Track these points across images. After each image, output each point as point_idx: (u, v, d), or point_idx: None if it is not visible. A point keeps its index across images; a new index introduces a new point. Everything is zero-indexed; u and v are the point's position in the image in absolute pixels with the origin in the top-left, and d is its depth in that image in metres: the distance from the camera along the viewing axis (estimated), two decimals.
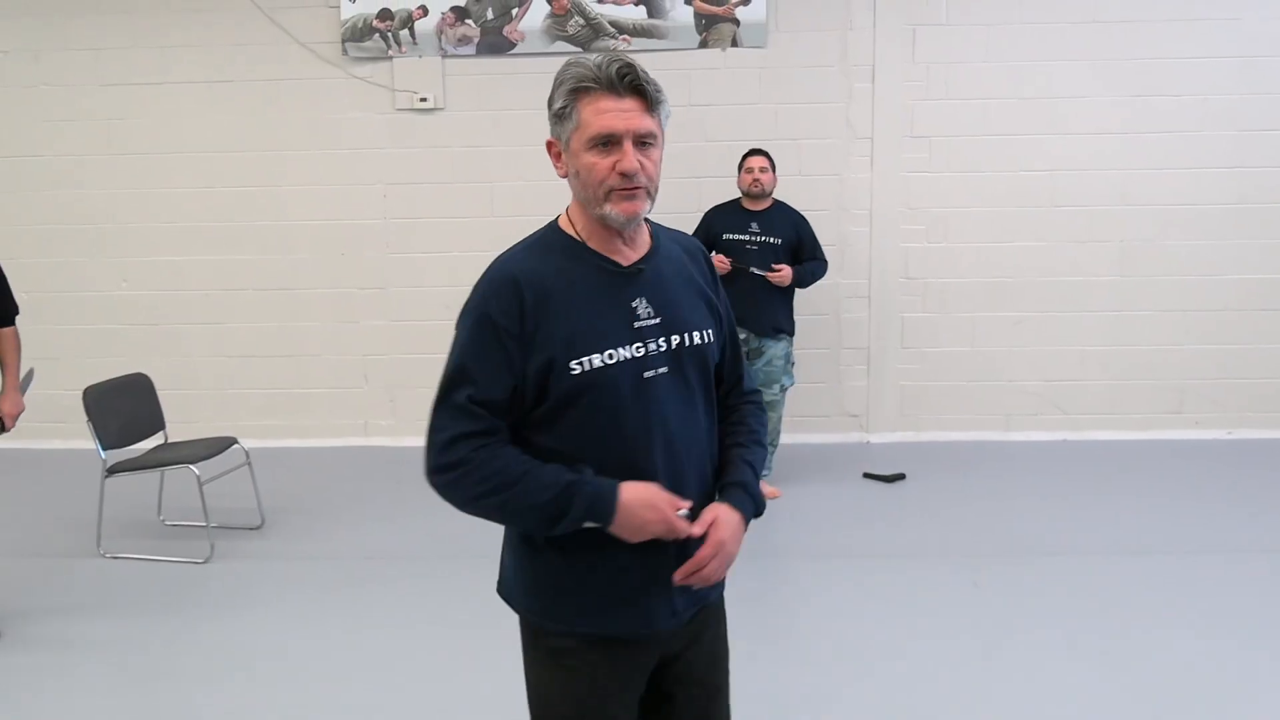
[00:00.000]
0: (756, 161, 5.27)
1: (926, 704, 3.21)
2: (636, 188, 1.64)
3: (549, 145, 1.74)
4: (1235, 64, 6.03)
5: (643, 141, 1.64)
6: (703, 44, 6.15)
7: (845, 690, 3.30)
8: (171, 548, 4.75)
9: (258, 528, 5.01)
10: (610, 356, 1.66)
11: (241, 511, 5.12)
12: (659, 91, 1.65)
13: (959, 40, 6.11)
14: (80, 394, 4.69)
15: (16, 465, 6.24)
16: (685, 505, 1.69)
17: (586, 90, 1.62)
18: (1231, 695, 3.22)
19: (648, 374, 1.70)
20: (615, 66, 1.60)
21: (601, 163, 1.63)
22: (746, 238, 5.25)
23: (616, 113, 1.61)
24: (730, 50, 6.17)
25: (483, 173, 6.35)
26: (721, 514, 1.74)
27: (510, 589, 1.85)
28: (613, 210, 1.65)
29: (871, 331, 6.38)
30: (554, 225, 1.80)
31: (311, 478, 5.91)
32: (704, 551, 1.71)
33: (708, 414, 1.82)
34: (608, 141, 1.62)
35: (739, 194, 5.37)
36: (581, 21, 6.11)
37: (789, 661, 3.48)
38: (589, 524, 1.65)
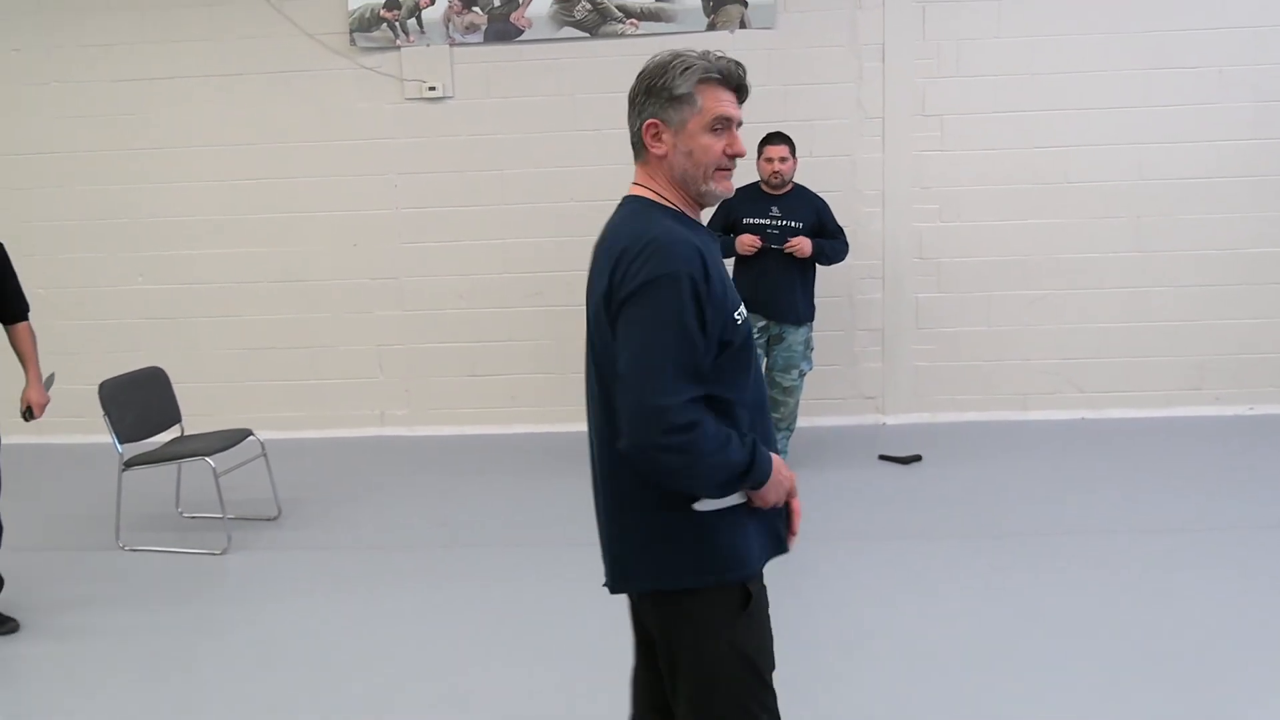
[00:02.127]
0: (776, 151, 5.23)
1: (945, 685, 3.20)
2: (732, 169, 1.91)
3: (648, 126, 1.88)
4: (1250, 34, 5.95)
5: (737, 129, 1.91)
6: (711, 26, 6.11)
7: (862, 672, 3.29)
8: (189, 539, 4.77)
9: (274, 518, 5.03)
10: (737, 304, 1.88)
11: (258, 502, 5.14)
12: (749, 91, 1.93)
13: (969, 17, 6.04)
14: (96, 388, 4.71)
15: (35, 460, 6.28)
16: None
17: (709, 80, 1.85)
18: (1254, 673, 3.19)
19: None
20: (733, 64, 1.87)
21: (716, 144, 1.86)
22: (767, 222, 5.22)
23: (731, 103, 1.88)
24: (739, 32, 6.13)
25: (492, 160, 6.33)
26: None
27: (685, 572, 1.86)
28: (716, 187, 1.90)
29: (886, 313, 6.34)
30: (650, 202, 1.91)
31: (327, 468, 5.94)
32: (798, 502, 2.01)
33: None
34: (722, 126, 1.85)
35: (757, 178, 5.33)
36: (589, 6, 6.08)
37: (805, 643, 3.46)
38: (745, 487, 1.82)
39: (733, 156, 1.87)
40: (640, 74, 1.89)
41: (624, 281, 1.75)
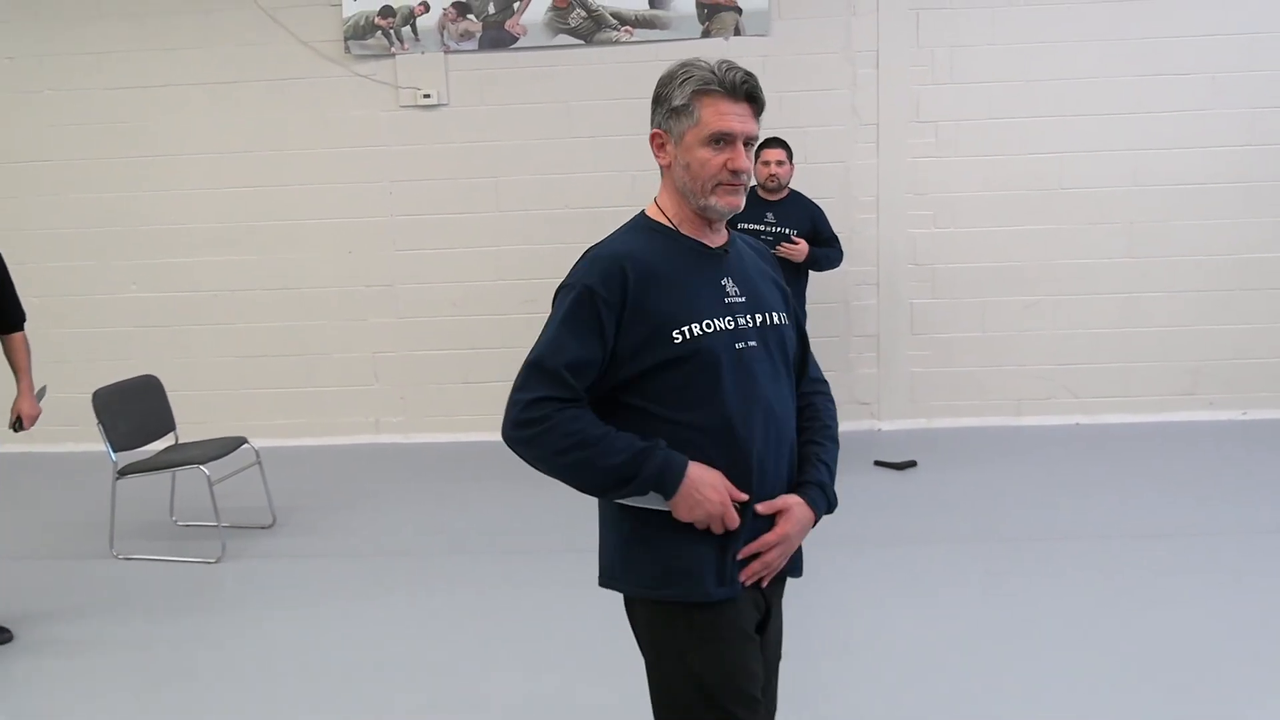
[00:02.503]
0: (773, 154, 5.24)
1: (940, 691, 3.19)
2: (740, 184, 1.82)
3: (653, 136, 1.87)
4: (1244, 41, 5.97)
5: (747, 143, 1.82)
6: (705, 33, 6.12)
7: (857, 678, 3.29)
8: (183, 548, 4.76)
9: (269, 527, 5.02)
10: (708, 326, 1.80)
11: (253, 511, 5.13)
12: (764, 103, 1.84)
13: (963, 23, 6.06)
14: (90, 396, 4.70)
15: (29, 468, 6.27)
16: (742, 497, 1.80)
17: (708, 91, 1.78)
18: (1249, 677, 3.19)
19: (739, 345, 1.83)
20: (737, 74, 1.78)
21: (714, 159, 1.79)
22: (763, 228, 5.23)
23: (734, 115, 1.78)
24: (733, 39, 6.14)
25: (487, 167, 6.34)
26: (795, 508, 1.88)
27: (644, 581, 1.87)
28: (717, 202, 1.82)
29: (881, 319, 6.35)
30: (644, 216, 1.92)
31: (322, 476, 5.93)
32: (769, 537, 1.85)
33: (791, 395, 1.96)
34: (722, 140, 1.78)
35: (754, 182, 5.34)
36: (583, 14, 6.09)
37: (800, 650, 3.46)
38: (651, 492, 1.76)
39: (734, 172, 1.79)
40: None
41: None
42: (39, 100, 6.46)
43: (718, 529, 1.79)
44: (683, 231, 1.87)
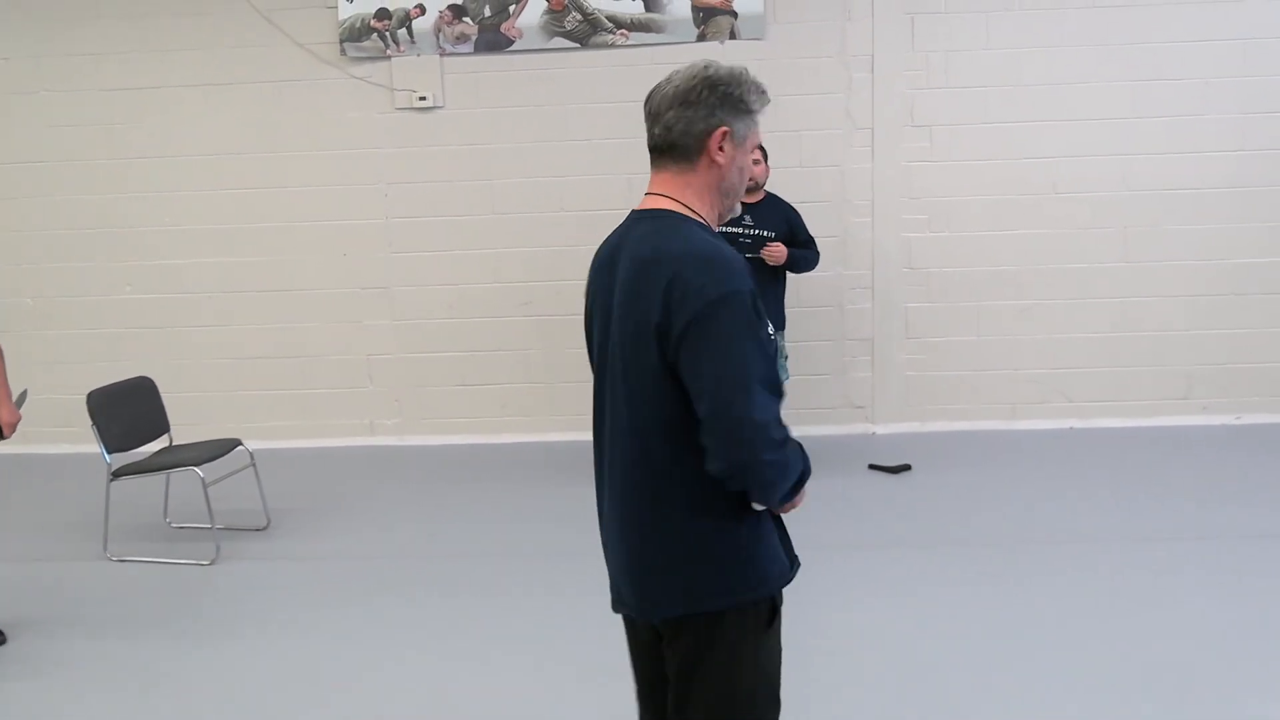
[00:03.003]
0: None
1: (935, 695, 3.20)
2: None
3: (724, 132, 1.79)
4: (1236, 46, 5.99)
5: None
6: (701, 37, 6.13)
7: (852, 682, 3.29)
8: (178, 550, 4.76)
9: (263, 529, 5.01)
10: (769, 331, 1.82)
11: (247, 513, 5.12)
12: None
13: (957, 28, 6.08)
14: (84, 398, 4.70)
15: (23, 470, 6.26)
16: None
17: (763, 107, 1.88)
18: (1244, 681, 3.20)
19: None
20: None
21: (754, 168, 1.99)
22: (740, 230, 5.23)
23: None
24: (728, 43, 6.15)
25: (483, 170, 6.34)
26: None
27: (722, 592, 1.80)
28: (738, 205, 1.93)
29: (875, 322, 6.36)
30: (683, 215, 1.79)
31: (317, 478, 5.92)
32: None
33: None
34: (759, 153, 1.88)
35: None
36: (579, 17, 6.10)
37: (795, 654, 3.46)
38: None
39: (755, 180, 1.93)
40: (699, 74, 1.77)
41: (686, 302, 1.65)
42: (35, 101, 6.46)
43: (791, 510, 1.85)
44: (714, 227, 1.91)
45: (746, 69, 1.82)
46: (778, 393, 1.70)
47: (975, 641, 3.54)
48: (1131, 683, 3.21)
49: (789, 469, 1.71)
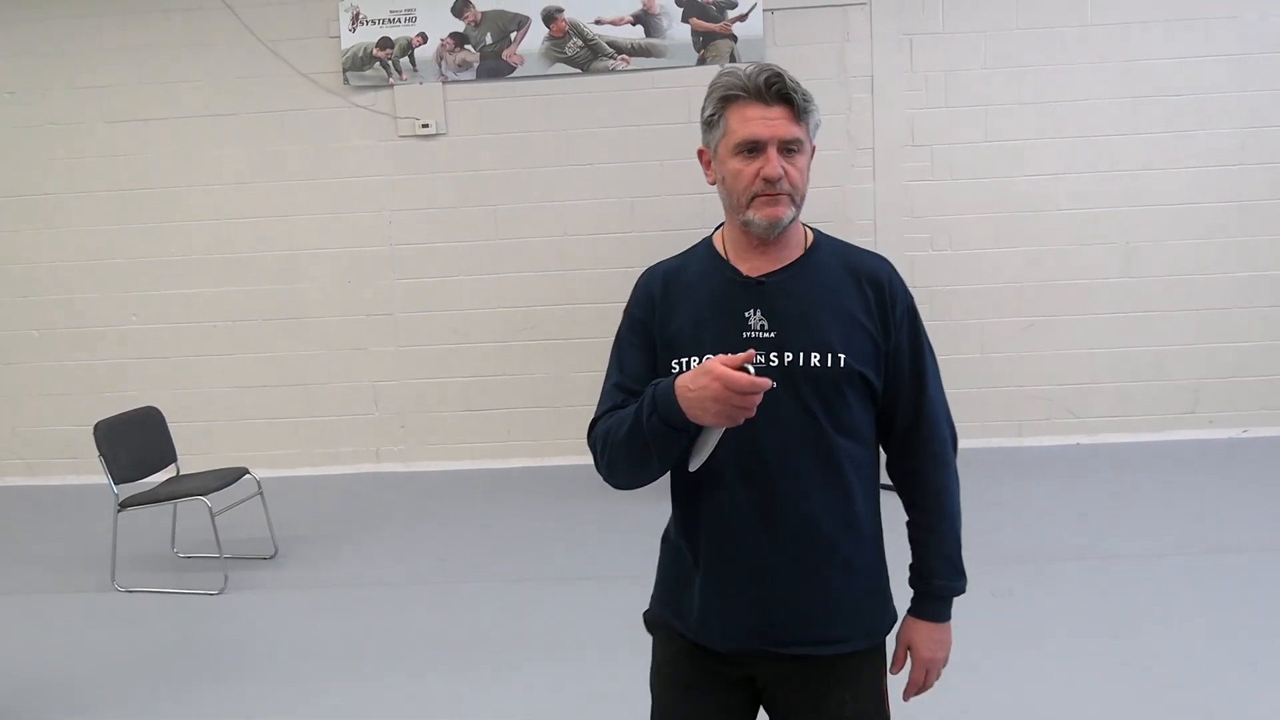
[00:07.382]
0: None
1: (940, 712, 3.18)
2: (779, 194, 1.64)
3: (700, 154, 1.76)
4: (1235, 62, 6.03)
5: (788, 149, 1.65)
6: (701, 61, 6.17)
7: None
8: (186, 580, 4.75)
9: (271, 557, 5.01)
10: (708, 359, 1.53)
11: (255, 541, 5.12)
12: (807, 100, 1.65)
13: (956, 47, 6.12)
14: (91, 429, 4.71)
15: (30, 501, 6.26)
16: (746, 357, 1.48)
17: (735, 98, 1.64)
18: (1251, 696, 3.18)
19: None
20: (764, 75, 1.62)
21: (746, 169, 1.64)
22: None
23: (762, 120, 1.62)
24: (728, 67, 6.18)
25: (486, 196, 6.37)
26: (915, 638, 1.84)
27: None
28: (755, 216, 1.66)
29: None
30: (707, 238, 1.83)
31: (324, 506, 5.92)
32: (916, 675, 1.86)
33: (837, 449, 1.70)
34: (753, 148, 1.63)
35: None
36: (580, 43, 6.14)
37: None
38: (699, 433, 1.58)
39: (767, 180, 1.62)
40: None
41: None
42: (40, 134, 6.50)
43: (740, 403, 1.46)
44: (729, 255, 1.74)
45: (726, 70, 1.68)
46: (608, 398, 1.75)
47: (982, 658, 3.52)
48: (1138, 697, 3.19)
49: (605, 452, 1.69)
